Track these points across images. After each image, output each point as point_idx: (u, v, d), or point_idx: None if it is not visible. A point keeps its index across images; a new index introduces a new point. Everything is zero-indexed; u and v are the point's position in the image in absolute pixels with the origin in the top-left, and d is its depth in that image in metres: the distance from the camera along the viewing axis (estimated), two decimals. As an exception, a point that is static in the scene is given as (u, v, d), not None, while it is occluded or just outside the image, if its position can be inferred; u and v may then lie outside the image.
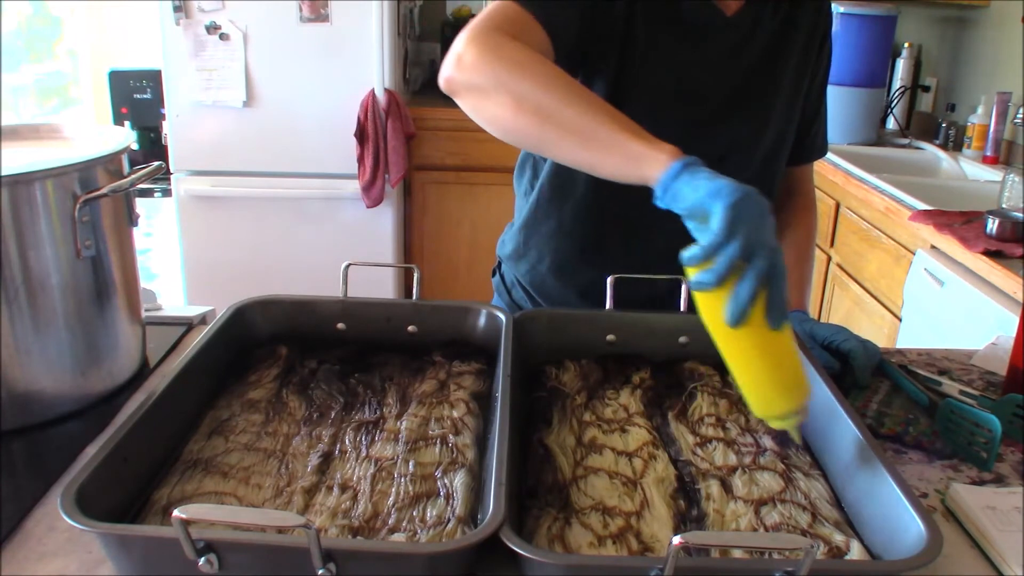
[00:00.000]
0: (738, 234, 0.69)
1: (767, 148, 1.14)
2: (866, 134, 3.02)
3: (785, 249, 1.25)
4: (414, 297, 1.03)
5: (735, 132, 1.10)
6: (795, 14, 1.09)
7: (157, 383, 0.83)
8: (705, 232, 0.71)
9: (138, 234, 1.03)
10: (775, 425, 0.81)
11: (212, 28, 2.79)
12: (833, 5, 2.95)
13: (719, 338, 0.76)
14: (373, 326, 1.03)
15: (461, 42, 0.89)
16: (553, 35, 0.94)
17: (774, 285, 0.71)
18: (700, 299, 0.75)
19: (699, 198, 0.72)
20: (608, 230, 1.14)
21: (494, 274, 1.34)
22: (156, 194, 3.46)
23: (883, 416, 0.96)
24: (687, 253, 0.72)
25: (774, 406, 0.77)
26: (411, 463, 0.79)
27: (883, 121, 3.20)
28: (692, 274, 0.72)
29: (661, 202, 0.77)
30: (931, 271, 2.00)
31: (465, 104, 0.92)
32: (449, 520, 0.71)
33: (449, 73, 0.90)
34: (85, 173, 0.89)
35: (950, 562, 0.74)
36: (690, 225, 0.75)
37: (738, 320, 0.71)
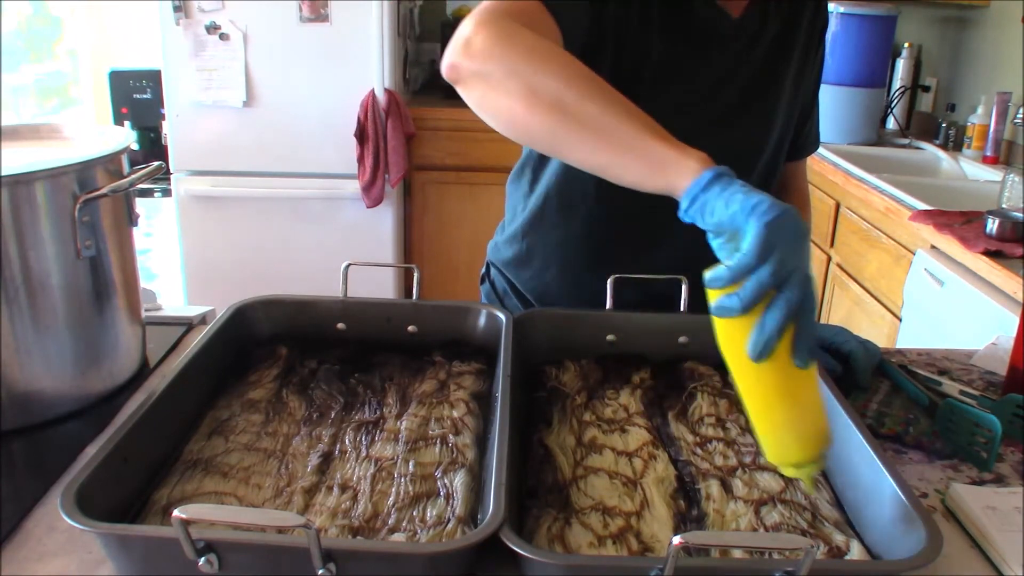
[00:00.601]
0: (772, 257, 0.62)
1: (771, 149, 1.13)
2: (866, 134, 3.02)
3: None
4: (414, 297, 1.03)
5: (740, 134, 1.09)
6: (796, 13, 1.09)
7: (157, 383, 0.83)
8: (733, 252, 0.64)
9: (138, 234, 1.03)
10: (788, 473, 0.72)
11: (212, 28, 2.79)
12: (833, 5, 2.96)
13: (737, 370, 0.69)
14: (373, 326, 1.03)
15: (469, 26, 0.82)
16: (564, 28, 0.88)
17: (804, 318, 0.64)
18: (721, 326, 0.67)
19: (732, 214, 0.65)
20: (620, 239, 1.12)
21: (483, 281, 1.31)
22: (156, 194, 3.46)
23: (883, 416, 0.96)
24: (711, 274, 0.64)
25: (790, 453, 0.69)
26: (411, 463, 0.79)
27: (883, 121, 3.20)
28: (715, 297, 0.65)
29: (686, 215, 0.70)
30: (931, 271, 2.00)
31: (471, 95, 0.83)
32: (449, 520, 0.71)
33: (455, 59, 0.82)
34: (85, 173, 0.89)
35: (950, 562, 0.74)
36: (715, 243, 0.68)
37: (762, 354, 0.63)
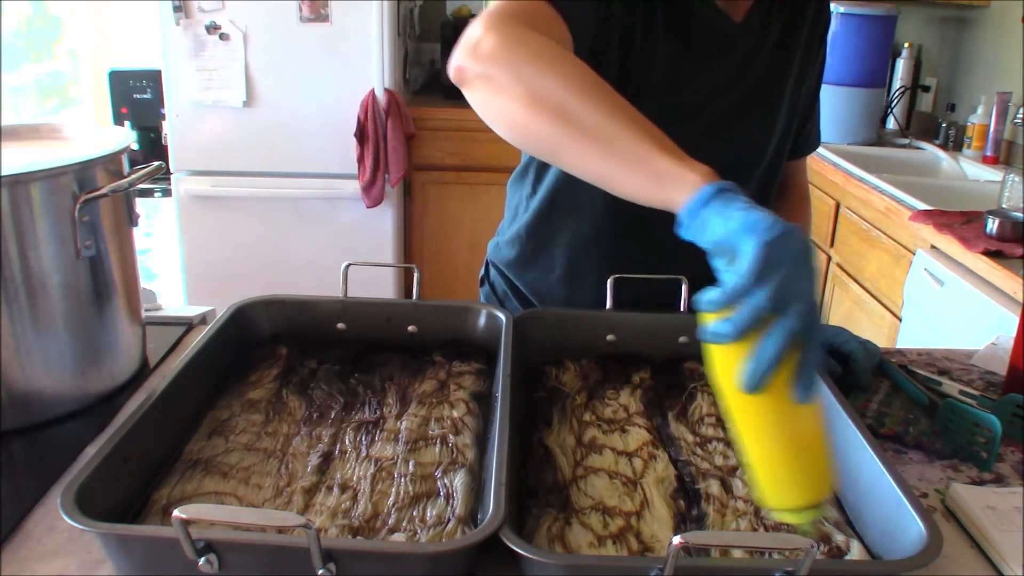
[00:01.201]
0: (770, 280, 0.57)
1: (772, 151, 1.13)
2: (866, 134, 3.02)
3: None
4: (414, 297, 1.03)
5: (742, 137, 1.09)
6: (798, 14, 1.08)
7: (157, 383, 0.83)
8: (731, 273, 0.60)
9: (138, 234, 1.03)
10: (785, 519, 0.65)
11: (212, 28, 2.79)
12: (833, 5, 2.96)
13: (731, 403, 0.63)
14: (373, 326, 1.03)
15: (478, 28, 0.80)
16: (575, 31, 0.87)
17: (807, 349, 0.59)
18: (714, 352, 0.62)
19: (729, 232, 0.61)
20: (628, 241, 1.11)
21: (482, 283, 1.30)
22: (156, 194, 3.46)
23: (883, 416, 0.96)
24: (705, 296, 0.60)
25: (786, 496, 0.63)
26: (411, 463, 0.79)
27: (883, 121, 3.20)
28: (708, 322, 0.60)
29: (685, 232, 0.66)
30: (931, 271, 2.00)
31: (475, 98, 0.82)
32: (449, 520, 0.71)
33: (462, 61, 0.81)
34: (85, 173, 0.89)
35: (950, 562, 0.74)
36: (717, 264, 0.64)
37: (756, 386, 0.58)
